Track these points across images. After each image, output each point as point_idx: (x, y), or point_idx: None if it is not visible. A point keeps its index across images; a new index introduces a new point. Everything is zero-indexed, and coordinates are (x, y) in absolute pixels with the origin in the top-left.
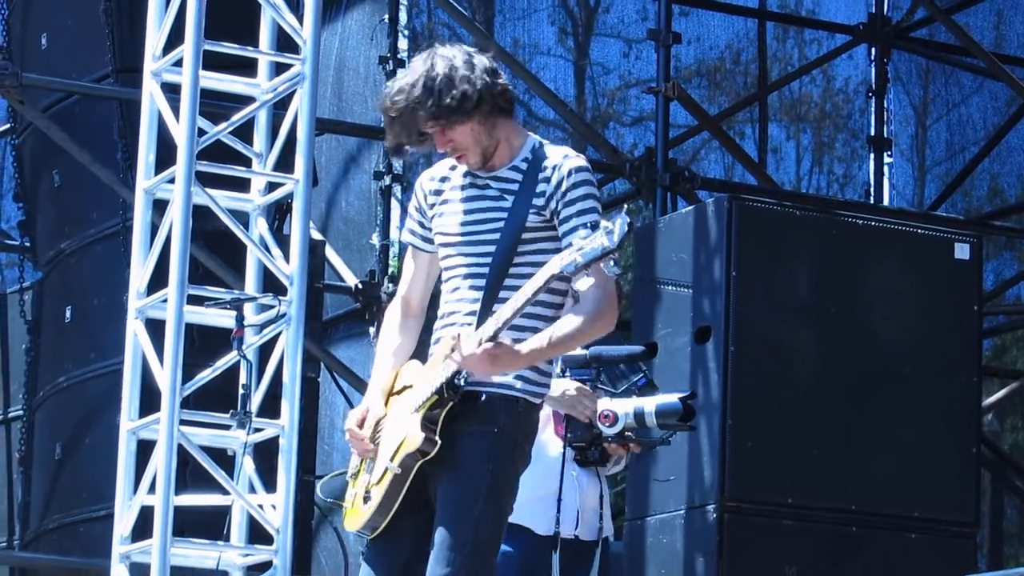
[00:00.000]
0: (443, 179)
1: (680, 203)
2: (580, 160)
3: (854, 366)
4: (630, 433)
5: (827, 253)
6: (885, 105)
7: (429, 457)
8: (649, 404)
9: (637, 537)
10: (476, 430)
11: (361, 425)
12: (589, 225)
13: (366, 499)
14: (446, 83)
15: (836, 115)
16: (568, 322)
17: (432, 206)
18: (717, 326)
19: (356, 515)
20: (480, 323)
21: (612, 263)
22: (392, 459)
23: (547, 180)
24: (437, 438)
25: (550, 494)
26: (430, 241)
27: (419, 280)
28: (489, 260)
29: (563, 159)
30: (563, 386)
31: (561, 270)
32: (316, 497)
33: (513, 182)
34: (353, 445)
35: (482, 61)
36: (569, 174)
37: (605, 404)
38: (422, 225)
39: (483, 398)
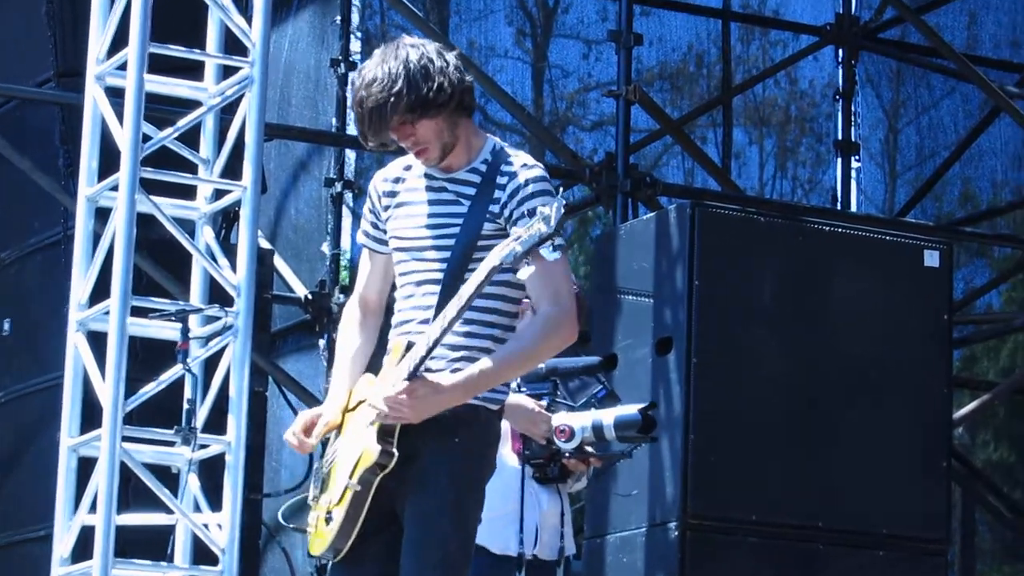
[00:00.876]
0: (397, 180)
1: (641, 210)
2: (538, 170)
3: (821, 378)
4: (589, 447)
5: (793, 261)
6: (853, 108)
7: (388, 470)
8: (607, 417)
9: (596, 556)
10: (437, 444)
11: (309, 430)
12: (527, 212)
13: (328, 520)
14: (423, 74)
15: (802, 119)
16: (508, 348)
17: (386, 208)
18: (679, 337)
19: (319, 538)
20: None
21: (551, 248)
22: (351, 476)
23: (503, 188)
24: (395, 450)
25: (508, 512)
26: (384, 243)
27: (375, 279)
28: (443, 267)
29: (521, 168)
30: (518, 401)
31: (501, 261)
32: (267, 519)
33: (470, 185)
34: (294, 447)
35: (451, 56)
36: (526, 183)
37: (561, 418)
38: (376, 227)
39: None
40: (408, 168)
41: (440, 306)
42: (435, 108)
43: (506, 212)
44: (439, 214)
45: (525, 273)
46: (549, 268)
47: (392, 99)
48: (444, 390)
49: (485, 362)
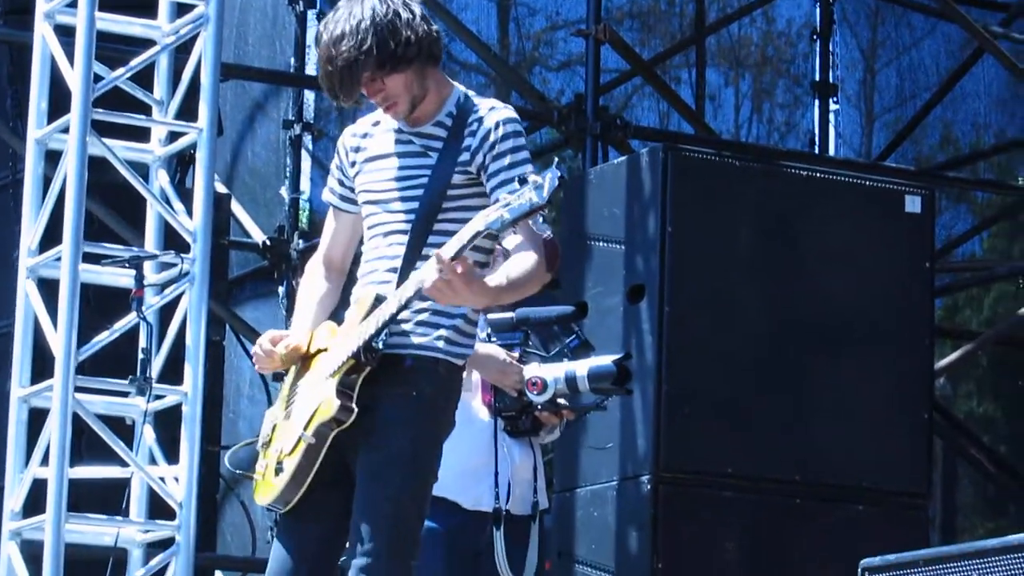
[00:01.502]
0: (365, 135)
1: (612, 153)
2: (508, 111)
3: (798, 327)
4: (562, 400)
5: (769, 207)
6: (831, 48)
7: (345, 426)
8: (581, 368)
9: (566, 510)
10: (394, 394)
11: (276, 342)
12: (518, 179)
13: (278, 471)
14: (391, 29)
15: (778, 59)
16: (521, 263)
17: (353, 164)
18: (651, 285)
19: (268, 488)
20: (401, 282)
21: (541, 220)
22: (306, 428)
23: (472, 134)
24: (353, 405)
25: (480, 466)
26: (351, 201)
27: (340, 238)
28: (411, 218)
29: (489, 111)
30: (488, 352)
31: (487, 227)
32: (222, 468)
33: (437, 139)
34: (258, 361)
35: (416, 5)
36: (496, 126)
37: (533, 370)
38: (342, 184)
39: (404, 362)
40: (376, 124)
41: (407, 257)
42: (404, 63)
43: (477, 159)
44: (407, 166)
45: (512, 242)
46: (534, 236)
47: (362, 57)
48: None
49: (501, 274)
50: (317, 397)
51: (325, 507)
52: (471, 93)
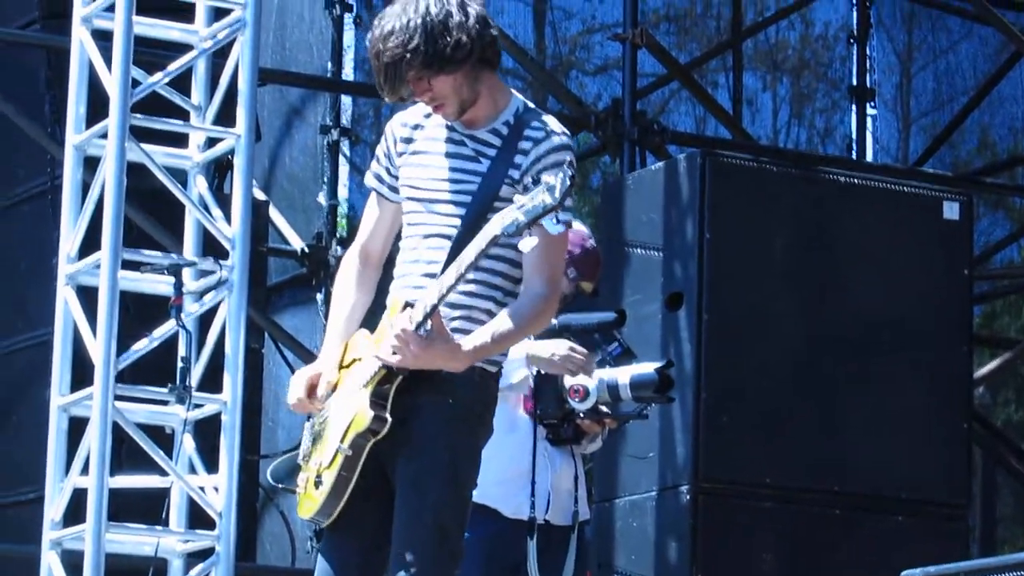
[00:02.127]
0: (416, 127)
1: (649, 159)
2: (564, 138)
3: (836, 335)
4: (604, 407)
5: (807, 213)
6: (868, 52)
7: (381, 436)
8: (623, 376)
9: (606, 520)
10: (430, 402)
11: (312, 391)
12: (531, 179)
13: (317, 484)
14: (442, 28)
15: (815, 63)
16: (513, 313)
17: (401, 154)
18: (689, 292)
19: (309, 501)
20: None
21: (555, 220)
22: (342, 440)
23: (526, 153)
24: (388, 415)
25: (522, 474)
26: (396, 190)
27: (381, 229)
28: (455, 223)
29: (548, 134)
30: (552, 347)
31: (503, 230)
32: (262, 478)
33: (491, 146)
34: (297, 409)
35: (475, 7)
36: (549, 152)
37: (575, 377)
38: (389, 172)
39: (438, 370)
40: (428, 116)
41: (450, 261)
42: (453, 64)
43: (526, 179)
44: (458, 169)
45: (527, 245)
46: (550, 243)
47: (408, 55)
48: (461, 354)
49: (486, 334)
50: (352, 408)
51: (367, 519)
52: (531, 105)
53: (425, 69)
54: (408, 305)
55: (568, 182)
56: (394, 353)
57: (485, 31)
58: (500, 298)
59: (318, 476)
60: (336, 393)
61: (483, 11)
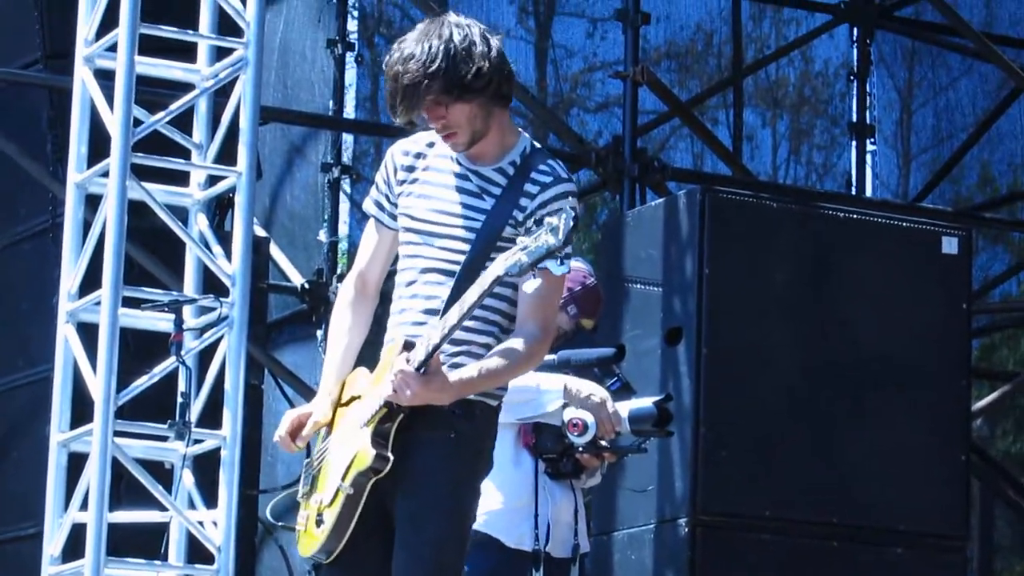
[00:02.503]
0: (418, 155)
1: (649, 195)
2: (569, 184)
3: (835, 369)
4: (603, 442)
5: (806, 248)
6: (868, 89)
7: (383, 475)
8: (622, 410)
9: (604, 553)
10: (431, 438)
11: (297, 430)
12: (534, 221)
13: (319, 523)
14: (464, 56)
15: (815, 100)
16: (503, 353)
17: (402, 183)
18: (689, 327)
19: (310, 540)
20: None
21: (559, 262)
22: (344, 479)
23: (531, 197)
24: (389, 454)
25: (524, 506)
26: (395, 218)
27: (379, 257)
28: (456, 257)
29: (554, 180)
30: (590, 389)
31: (506, 271)
32: (262, 516)
33: (496, 184)
34: (281, 445)
35: (495, 40)
36: (555, 199)
37: (572, 412)
38: (388, 199)
39: (439, 405)
40: (431, 145)
41: (452, 299)
42: (472, 92)
43: (528, 223)
44: (462, 203)
45: (531, 286)
46: (548, 287)
47: (428, 78)
48: (449, 387)
49: (474, 369)
50: (353, 447)
51: (369, 557)
52: (538, 146)
53: (444, 94)
54: (409, 345)
55: (571, 223)
56: (394, 391)
57: (504, 65)
58: (498, 334)
59: (319, 514)
60: (335, 431)
61: (500, 47)
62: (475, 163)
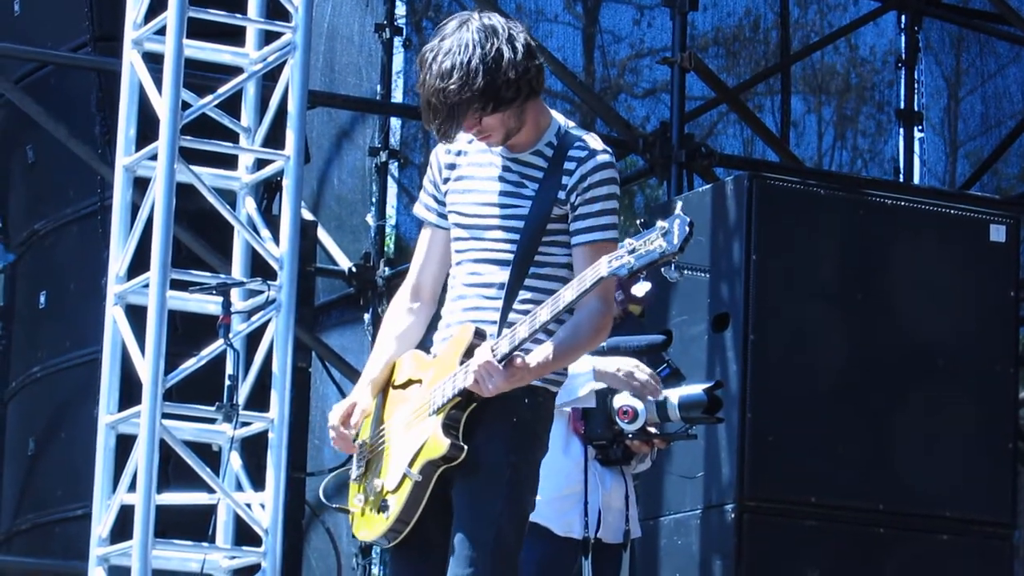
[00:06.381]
0: (459, 152)
1: (696, 181)
2: (608, 156)
3: (881, 356)
4: (653, 428)
5: (853, 235)
6: (916, 76)
7: (455, 463)
8: (672, 396)
9: (650, 538)
10: (494, 422)
11: (347, 421)
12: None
13: (383, 508)
14: (496, 69)
15: (862, 87)
16: (571, 331)
17: (446, 180)
18: (736, 313)
19: (371, 524)
20: (504, 314)
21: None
22: (411, 465)
23: (570, 173)
24: (462, 443)
25: (573, 493)
26: (445, 217)
27: (432, 262)
28: (508, 247)
29: (591, 155)
30: (618, 363)
31: (611, 273)
32: (310, 498)
33: (536, 168)
34: (336, 443)
35: (521, 38)
36: (594, 170)
37: (624, 399)
38: (436, 200)
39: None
40: (471, 141)
41: (509, 288)
42: (506, 103)
43: (572, 197)
44: (504, 193)
45: (642, 290)
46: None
47: (466, 100)
48: (529, 374)
49: (548, 350)
50: (420, 434)
51: (434, 539)
52: (571, 124)
53: (480, 111)
54: (479, 333)
55: (687, 229)
56: (475, 382)
57: (531, 64)
58: (561, 314)
59: (383, 500)
60: (393, 414)
61: (527, 39)
62: (513, 152)
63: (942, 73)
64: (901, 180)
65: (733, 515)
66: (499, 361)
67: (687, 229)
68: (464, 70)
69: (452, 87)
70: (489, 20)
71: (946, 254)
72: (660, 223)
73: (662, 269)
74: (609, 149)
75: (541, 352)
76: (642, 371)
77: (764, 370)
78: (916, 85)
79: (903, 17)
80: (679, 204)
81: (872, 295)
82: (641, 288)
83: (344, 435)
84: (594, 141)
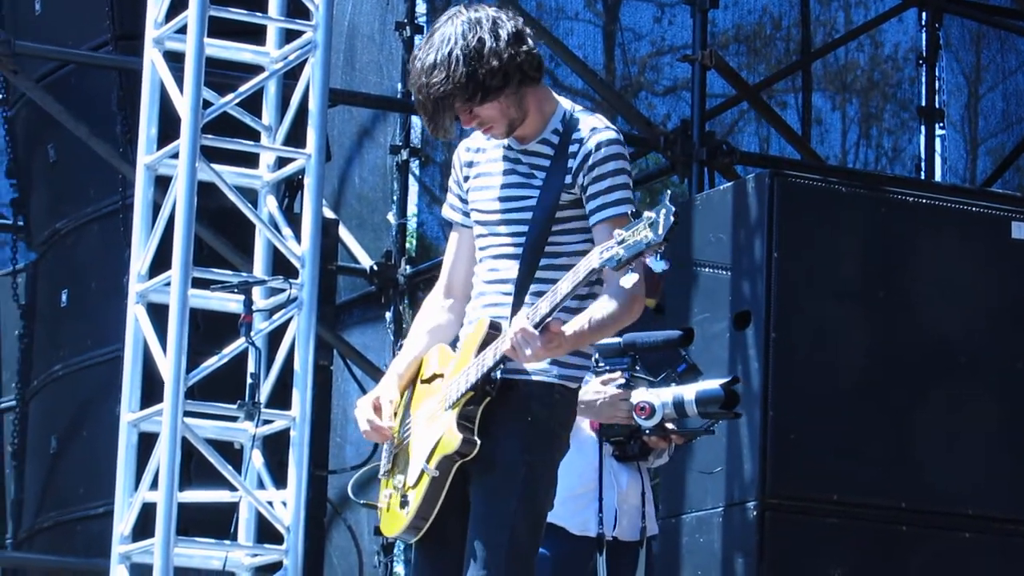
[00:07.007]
0: (478, 150)
1: (718, 179)
2: (609, 132)
3: (903, 354)
4: (670, 424)
5: (875, 233)
6: (936, 73)
7: (469, 458)
8: (689, 392)
9: (672, 536)
10: (510, 420)
11: (378, 413)
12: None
13: (403, 503)
14: (476, 59)
15: (884, 84)
16: (605, 305)
17: (467, 179)
18: (757, 311)
19: (394, 520)
20: (515, 308)
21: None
22: (428, 461)
23: (574, 156)
24: (476, 438)
25: (588, 491)
26: (469, 215)
27: (462, 261)
28: (518, 241)
29: (591, 132)
30: (592, 391)
31: (601, 264)
32: (332, 496)
33: (543, 157)
34: (369, 435)
35: (506, 27)
36: (597, 147)
37: (641, 395)
38: (460, 199)
39: (519, 388)
40: (489, 137)
41: (520, 282)
42: (493, 92)
43: (579, 179)
44: (512, 185)
45: (629, 281)
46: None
47: (448, 92)
48: (565, 342)
49: (584, 320)
50: (437, 429)
51: (454, 534)
52: (577, 109)
53: (468, 101)
54: (495, 326)
55: (672, 219)
56: (512, 348)
57: (519, 50)
58: (583, 289)
59: (403, 495)
60: (419, 408)
61: (516, 27)
62: (522, 143)
63: (962, 70)
64: (923, 178)
65: (755, 513)
66: (535, 327)
67: (672, 219)
68: (445, 63)
69: (435, 80)
70: (476, 12)
71: (968, 251)
72: (647, 214)
73: (648, 259)
74: (612, 125)
75: (577, 322)
76: (615, 397)
77: (786, 368)
78: (937, 82)
79: (924, 14)
80: (668, 195)
81: (894, 292)
82: (628, 280)
83: (378, 425)
84: (596, 120)
